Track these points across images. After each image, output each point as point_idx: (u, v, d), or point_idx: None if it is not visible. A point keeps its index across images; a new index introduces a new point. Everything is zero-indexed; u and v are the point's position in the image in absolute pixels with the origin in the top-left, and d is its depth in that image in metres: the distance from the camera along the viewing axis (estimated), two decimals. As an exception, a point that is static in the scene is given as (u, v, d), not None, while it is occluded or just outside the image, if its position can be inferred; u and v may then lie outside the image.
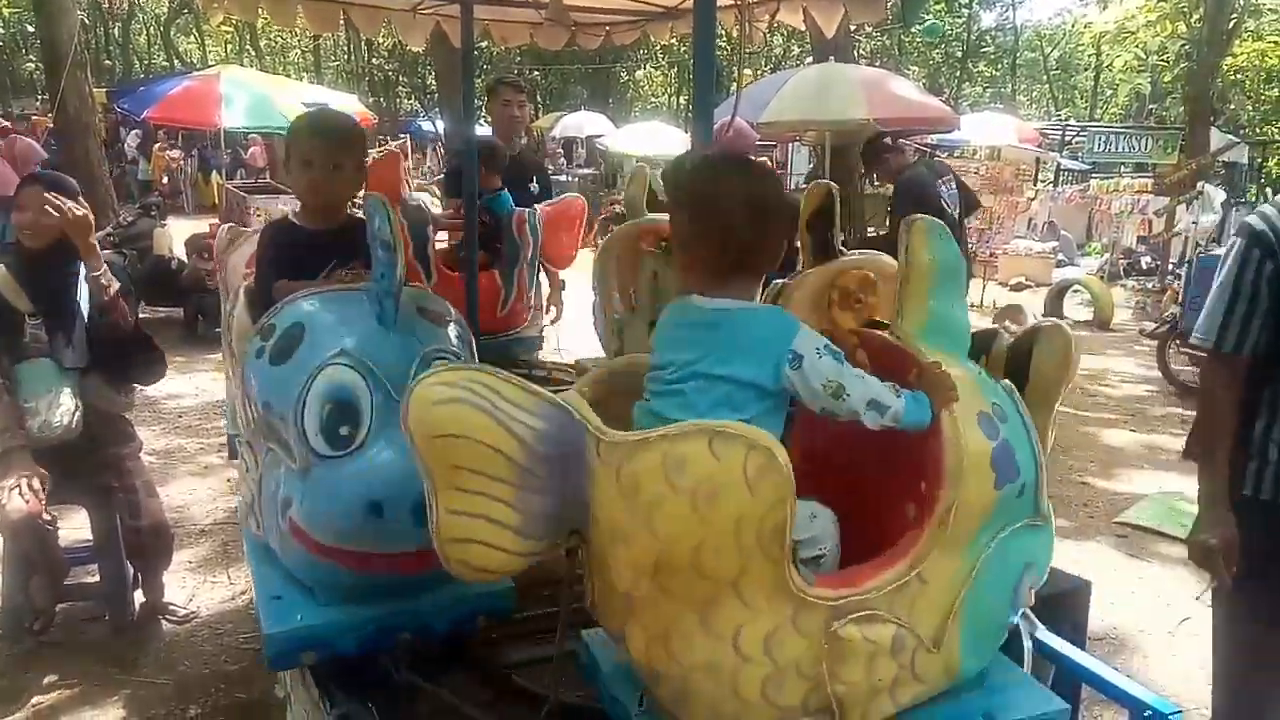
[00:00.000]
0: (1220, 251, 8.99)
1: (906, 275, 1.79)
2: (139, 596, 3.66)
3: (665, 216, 3.80)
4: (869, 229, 11.68)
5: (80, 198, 3.36)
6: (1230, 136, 18.32)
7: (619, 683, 1.78)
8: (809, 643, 1.54)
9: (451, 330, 2.19)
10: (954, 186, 6.36)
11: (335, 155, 2.45)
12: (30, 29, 23.69)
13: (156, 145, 20.30)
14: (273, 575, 2.11)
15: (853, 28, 14.60)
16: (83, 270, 3.32)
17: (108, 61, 34.35)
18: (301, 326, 2.01)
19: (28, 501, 3.05)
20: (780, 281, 2.54)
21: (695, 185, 1.72)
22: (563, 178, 18.87)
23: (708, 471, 1.43)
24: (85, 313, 3.30)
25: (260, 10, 3.90)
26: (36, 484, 3.11)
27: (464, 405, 1.42)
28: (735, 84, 2.56)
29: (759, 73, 23.73)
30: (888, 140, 6.44)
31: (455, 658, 2.22)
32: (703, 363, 1.59)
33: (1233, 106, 24.77)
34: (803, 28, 3.92)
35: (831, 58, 10.58)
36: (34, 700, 3.18)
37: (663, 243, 3.68)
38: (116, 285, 3.32)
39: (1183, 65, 21.12)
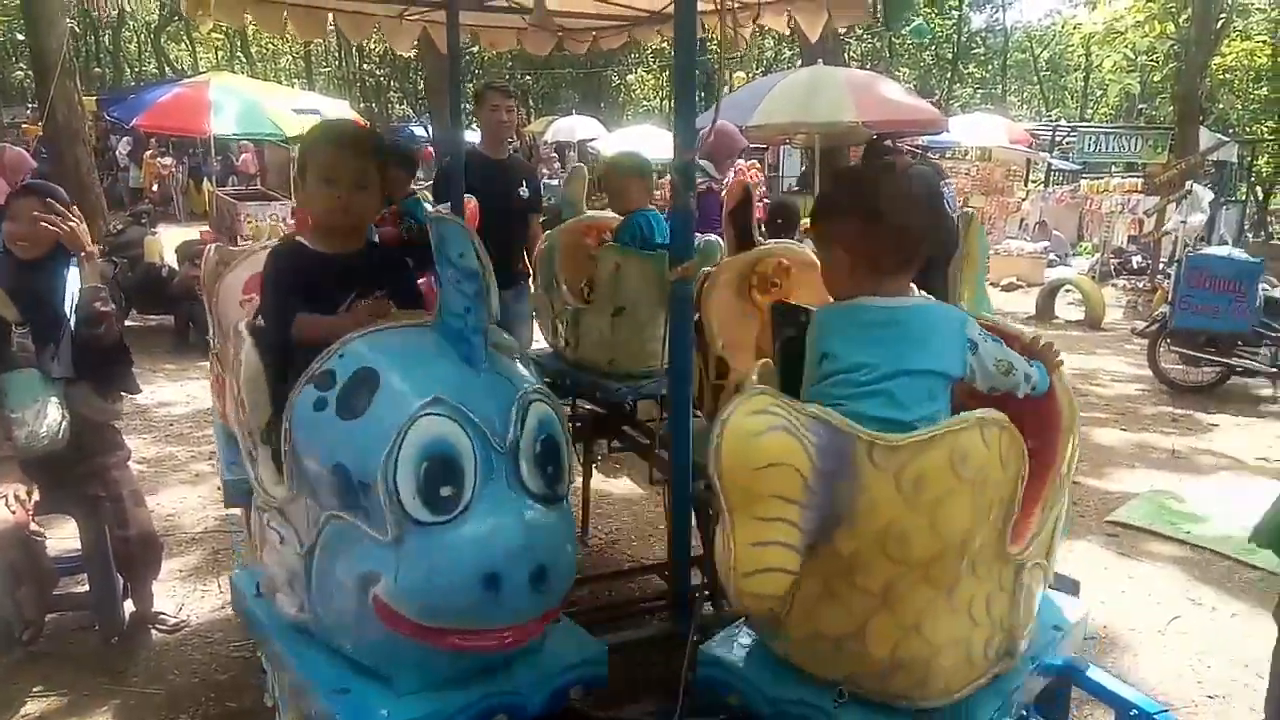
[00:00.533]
0: (1209, 250, 9.03)
1: (964, 261, 2.06)
2: (129, 606, 3.64)
3: (608, 214, 4.07)
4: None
5: (74, 207, 3.36)
6: (1220, 136, 18.39)
7: (784, 684, 1.81)
8: (1009, 596, 1.73)
9: (526, 366, 1.95)
10: (951, 189, 6.40)
11: (361, 172, 2.20)
12: (20, 37, 23.65)
13: (148, 153, 20.24)
14: (329, 663, 1.84)
15: (842, 31, 14.62)
16: (69, 279, 3.31)
17: (98, 69, 34.32)
18: (373, 372, 1.73)
19: (15, 512, 3.04)
20: (706, 269, 2.80)
21: (869, 192, 1.82)
22: (554, 182, 18.85)
23: (982, 460, 1.55)
24: (71, 322, 3.29)
25: (246, 17, 3.90)
26: (24, 494, 3.10)
27: (780, 432, 1.46)
28: (717, 88, 2.59)
29: (750, 76, 23.75)
30: (888, 143, 6.47)
31: None
32: (900, 360, 1.68)
33: (1221, 105, 24.87)
34: (787, 31, 3.93)
35: (820, 60, 10.60)
36: (23, 711, 3.16)
37: (605, 237, 3.90)
38: (111, 308, 3.32)
39: (1172, 65, 21.20)
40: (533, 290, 5.12)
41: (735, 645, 1.95)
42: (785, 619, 1.71)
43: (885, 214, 1.75)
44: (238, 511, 3.21)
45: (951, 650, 1.65)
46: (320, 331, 2.02)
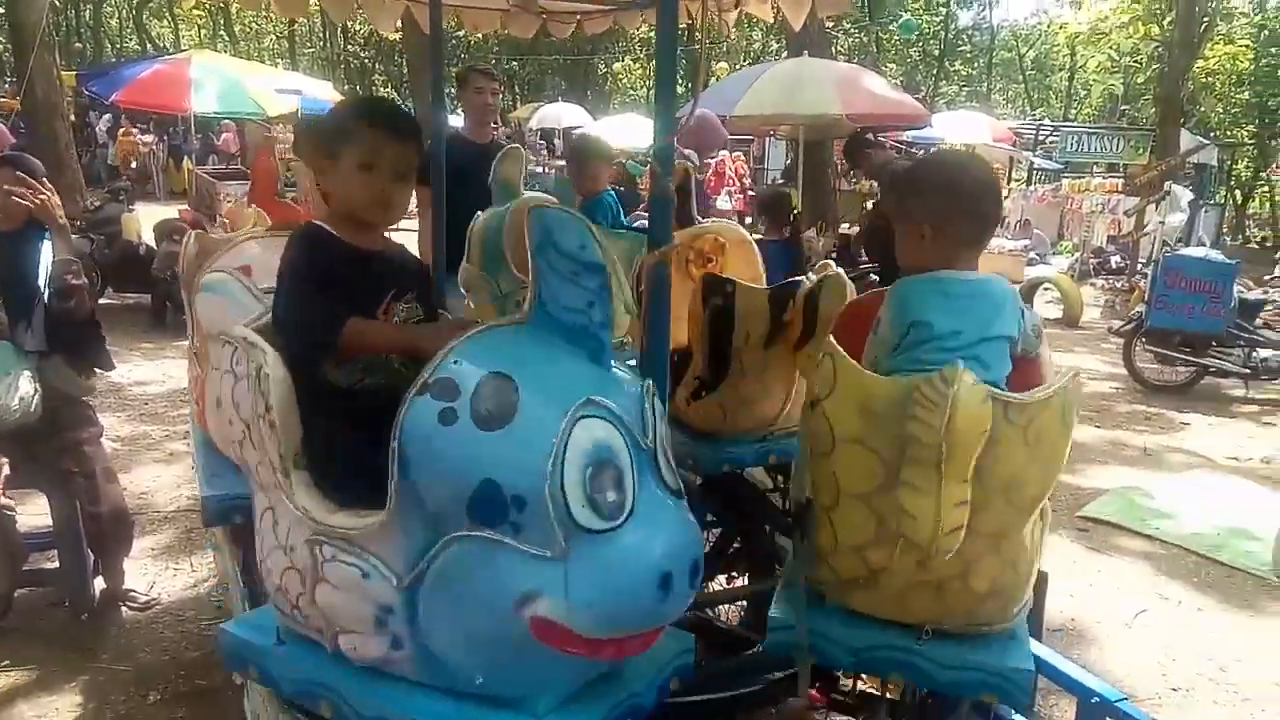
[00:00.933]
0: (1187, 251, 9.11)
1: None
2: (99, 583, 3.63)
3: (542, 195, 4.13)
4: (843, 224, 11.73)
5: (46, 180, 3.33)
6: (1200, 138, 18.56)
7: (865, 632, 1.94)
8: (1043, 523, 1.91)
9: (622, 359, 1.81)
10: None
11: (405, 159, 1.98)
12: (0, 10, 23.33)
13: (121, 130, 20.02)
14: (435, 700, 1.69)
15: (830, 25, 14.63)
16: (45, 252, 3.29)
17: (78, 44, 33.88)
18: (506, 377, 1.58)
19: (-15, 486, 3.03)
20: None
21: (957, 173, 2.01)
22: (539, 169, 18.78)
23: (1075, 410, 1.79)
24: (45, 294, 3.27)
25: (228, -8, 3.87)
26: (-5, 468, 3.09)
27: (990, 401, 1.66)
28: (700, 75, 2.58)
29: (736, 67, 23.74)
30: (870, 136, 6.48)
31: None
32: (984, 328, 1.88)
33: (1203, 109, 25.07)
34: (770, 20, 3.93)
35: (805, 53, 10.61)
36: (-10, 686, 3.15)
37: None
38: (82, 281, 3.29)
39: (1155, 67, 21.36)
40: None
41: (797, 609, 2.02)
42: (879, 571, 1.83)
43: (971, 194, 1.95)
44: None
45: (1028, 576, 1.86)
46: (383, 341, 1.89)
